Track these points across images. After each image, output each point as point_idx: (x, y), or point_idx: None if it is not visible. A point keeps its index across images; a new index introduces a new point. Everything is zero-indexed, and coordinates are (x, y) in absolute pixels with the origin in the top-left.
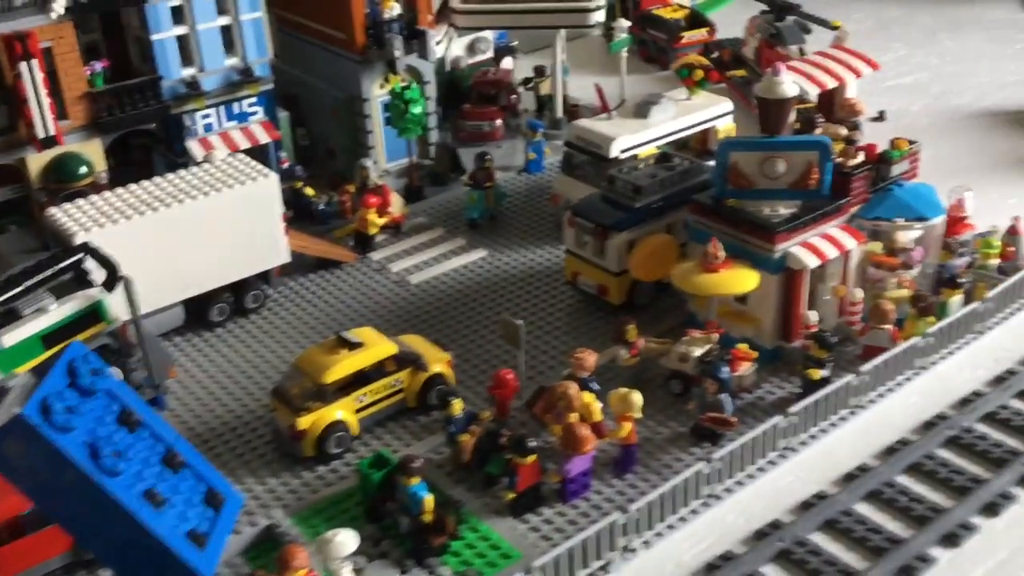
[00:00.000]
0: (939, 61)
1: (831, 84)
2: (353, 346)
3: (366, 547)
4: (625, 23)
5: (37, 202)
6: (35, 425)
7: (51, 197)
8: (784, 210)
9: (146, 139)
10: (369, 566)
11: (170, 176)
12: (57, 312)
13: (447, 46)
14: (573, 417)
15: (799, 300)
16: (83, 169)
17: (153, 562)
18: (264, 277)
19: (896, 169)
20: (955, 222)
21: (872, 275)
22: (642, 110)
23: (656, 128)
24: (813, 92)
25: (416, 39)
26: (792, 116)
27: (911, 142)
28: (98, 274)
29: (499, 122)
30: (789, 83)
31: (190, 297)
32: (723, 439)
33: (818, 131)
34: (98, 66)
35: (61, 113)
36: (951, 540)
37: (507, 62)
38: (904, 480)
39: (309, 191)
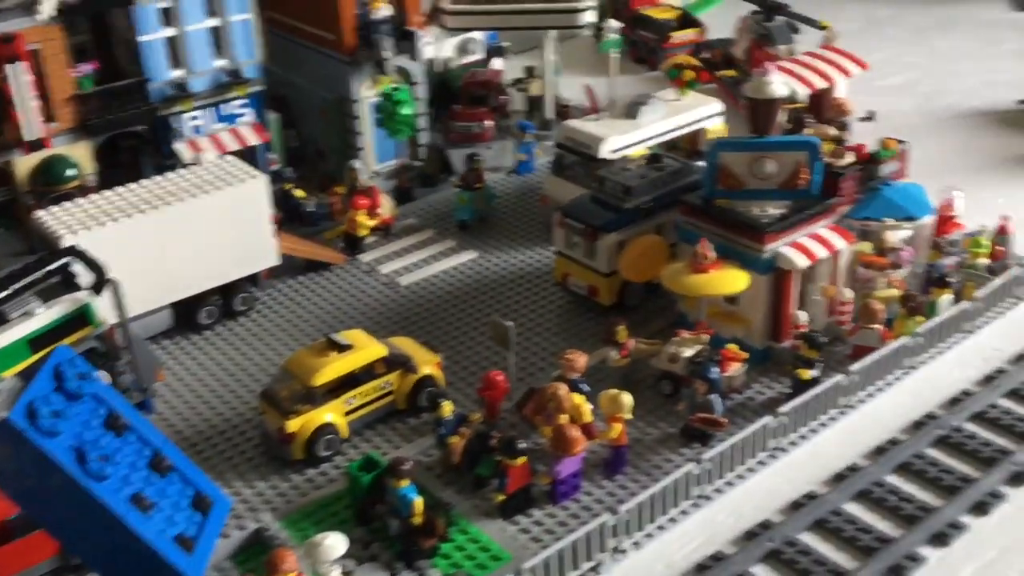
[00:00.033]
0: (928, 61)
1: (820, 84)
2: (342, 348)
3: (355, 550)
4: (615, 24)
5: (24, 205)
6: (21, 429)
7: (38, 200)
8: (773, 210)
9: (134, 141)
10: (359, 569)
11: (158, 178)
12: (44, 316)
13: (437, 47)
14: (563, 418)
15: (789, 300)
16: (71, 172)
17: (141, 567)
18: (253, 279)
19: (885, 169)
20: (944, 222)
21: (861, 275)
22: (632, 111)
23: (646, 129)
24: (802, 92)
25: (406, 40)
26: (782, 116)
27: (900, 142)
28: (86, 277)
29: (489, 123)
30: (778, 83)
31: (178, 300)
32: (713, 440)
33: (807, 131)
34: (86, 68)
35: (48, 115)
36: (940, 539)
37: (497, 63)
38: (894, 480)
39: (298, 193)
